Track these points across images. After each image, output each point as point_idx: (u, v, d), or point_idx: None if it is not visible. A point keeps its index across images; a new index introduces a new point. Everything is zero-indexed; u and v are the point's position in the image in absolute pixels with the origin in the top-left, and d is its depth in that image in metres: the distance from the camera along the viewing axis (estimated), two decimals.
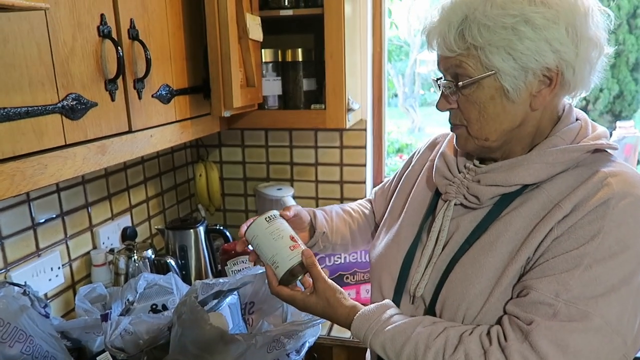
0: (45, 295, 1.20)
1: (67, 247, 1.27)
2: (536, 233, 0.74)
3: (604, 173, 0.74)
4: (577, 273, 0.69)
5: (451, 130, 0.85)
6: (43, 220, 1.19)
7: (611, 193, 0.71)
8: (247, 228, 0.86)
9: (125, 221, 1.48)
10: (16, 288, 0.99)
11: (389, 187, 1.07)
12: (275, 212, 0.87)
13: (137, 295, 1.12)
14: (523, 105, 0.76)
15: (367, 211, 1.13)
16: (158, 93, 1.09)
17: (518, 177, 0.77)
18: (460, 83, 0.76)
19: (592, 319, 0.67)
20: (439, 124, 2.22)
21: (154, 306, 1.14)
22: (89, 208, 1.34)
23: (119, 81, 0.94)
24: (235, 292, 1.09)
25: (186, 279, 1.41)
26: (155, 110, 1.08)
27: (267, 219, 0.85)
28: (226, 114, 1.26)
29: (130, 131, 1.00)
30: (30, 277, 1.13)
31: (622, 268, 0.69)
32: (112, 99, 0.94)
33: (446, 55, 0.76)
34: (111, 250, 1.34)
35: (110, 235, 1.40)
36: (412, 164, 1.01)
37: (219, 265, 1.48)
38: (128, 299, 1.11)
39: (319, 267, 0.83)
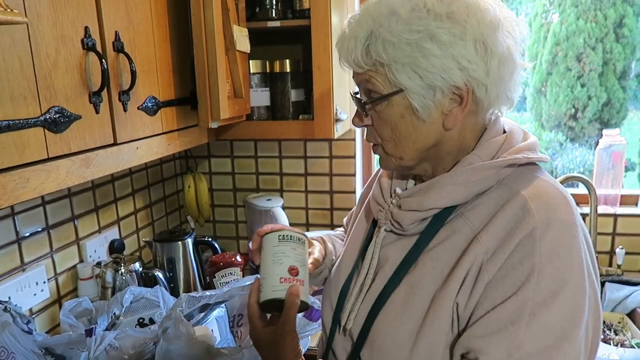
0: (31, 310, 1.18)
1: (53, 261, 1.25)
2: (457, 271, 0.70)
3: (523, 197, 0.69)
4: (524, 325, 0.64)
5: (372, 150, 0.82)
6: (28, 234, 1.17)
7: (534, 222, 0.66)
8: (265, 234, 0.79)
9: (112, 234, 1.47)
10: None
11: (353, 212, 1.02)
12: (296, 235, 0.78)
13: (123, 309, 1.11)
14: (435, 125, 0.72)
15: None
16: (144, 105, 1.08)
17: (431, 201, 0.73)
18: (368, 99, 0.74)
19: None
20: None
21: (140, 320, 1.12)
22: (76, 221, 1.33)
23: (104, 93, 0.94)
24: (223, 305, 1.08)
25: (174, 291, 1.39)
26: (141, 122, 1.08)
27: (280, 237, 0.77)
28: (214, 125, 1.25)
29: (115, 143, 0.99)
30: (14, 292, 1.12)
31: (566, 307, 0.65)
32: (97, 112, 0.93)
33: (356, 71, 0.74)
34: (98, 264, 1.32)
35: (97, 248, 1.39)
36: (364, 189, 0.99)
37: (208, 277, 1.46)
38: (114, 313, 1.10)
39: (296, 311, 0.74)
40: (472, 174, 0.72)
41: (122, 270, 1.30)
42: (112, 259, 1.33)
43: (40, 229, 1.21)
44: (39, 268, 1.20)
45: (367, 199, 0.91)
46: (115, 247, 1.42)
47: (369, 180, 1.02)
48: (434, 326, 0.70)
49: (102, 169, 0.96)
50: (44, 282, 1.21)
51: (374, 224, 0.85)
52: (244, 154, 1.80)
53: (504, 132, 0.78)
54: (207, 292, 1.04)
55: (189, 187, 1.74)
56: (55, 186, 0.84)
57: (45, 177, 0.82)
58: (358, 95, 0.77)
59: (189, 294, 0.99)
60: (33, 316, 1.18)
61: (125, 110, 1.01)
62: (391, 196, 0.82)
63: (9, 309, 0.95)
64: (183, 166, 1.85)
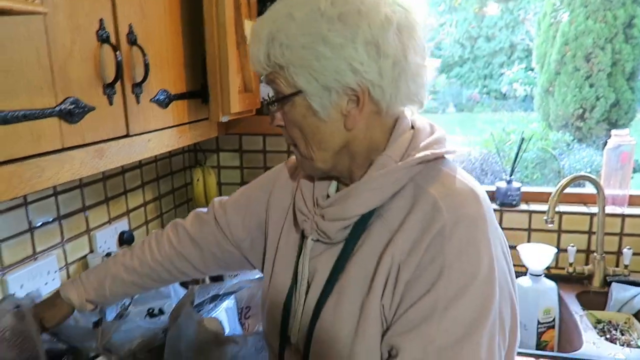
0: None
1: (64, 251, 1.27)
2: (379, 273, 0.72)
3: (433, 196, 0.71)
4: (436, 321, 0.67)
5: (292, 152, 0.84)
6: (40, 224, 1.19)
7: (443, 220, 0.69)
8: None
9: (122, 225, 1.48)
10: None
11: (245, 206, 0.99)
12: None
13: (133, 300, 1.12)
14: (336, 125, 0.74)
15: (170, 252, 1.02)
16: (156, 98, 1.09)
17: (351, 209, 0.75)
18: (272, 99, 0.77)
19: None
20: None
21: (150, 310, 1.14)
22: (86, 212, 1.34)
23: (117, 85, 0.95)
24: (233, 297, 1.09)
25: (183, 283, 1.40)
26: (153, 115, 1.09)
27: None
28: (224, 119, 1.26)
29: (127, 135, 1.01)
30: (26, 280, 1.13)
31: (476, 299, 0.67)
32: (110, 103, 0.94)
33: (260, 73, 0.77)
34: (108, 254, 1.34)
35: (107, 239, 1.40)
36: (271, 193, 0.95)
37: None
38: (124, 304, 1.11)
39: None
40: (385, 178, 0.74)
41: None
42: (121, 250, 1.34)
43: (51, 219, 1.22)
44: (51, 257, 1.21)
45: (289, 209, 0.90)
46: (125, 239, 1.43)
47: (261, 181, 0.99)
48: (366, 331, 0.72)
49: (114, 160, 0.97)
50: (55, 272, 1.22)
51: (302, 234, 0.84)
52: (252, 148, 1.81)
53: (413, 128, 0.79)
54: (217, 284, 1.05)
55: (197, 180, 1.76)
56: (69, 176, 0.85)
57: (60, 167, 0.83)
58: (267, 96, 0.80)
59: (199, 285, 1.00)
60: None
61: (137, 102, 1.02)
62: (314, 205, 0.82)
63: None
64: (192, 159, 1.86)
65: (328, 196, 0.83)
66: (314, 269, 0.81)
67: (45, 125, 0.80)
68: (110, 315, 1.09)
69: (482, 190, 0.75)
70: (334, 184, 0.85)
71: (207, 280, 1.41)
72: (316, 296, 0.79)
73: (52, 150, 0.81)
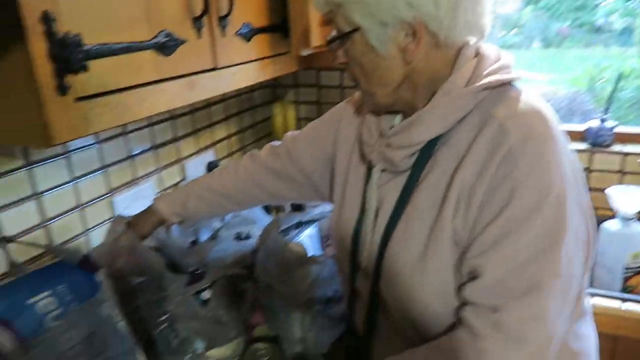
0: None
1: (160, 178, 1.38)
2: (449, 197, 0.73)
3: (499, 119, 0.71)
4: (513, 239, 0.68)
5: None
6: (138, 152, 1.30)
7: (510, 141, 0.69)
8: None
9: (209, 156, 1.58)
10: None
11: (313, 140, 1.04)
12: None
13: (223, 224, 1.21)
14: (396, 60, 0.75)
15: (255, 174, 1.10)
16: (240, 31, 1.12)
17: (417, 136, 0.76)
18: (333, 38, 0.79)
19: (545, 291, 0.67)
20: (525, 67, 2.11)
21: (238, 234, 1.23)
22: (178, 142, 1.44)
23: (205, 19, 0.98)
24: (315, 225, 1.15)
25: (267, 211, 1.49)
26: (237, 48, 1.12)
27: None
28: (304, 52, 1.27)
29: (215, 68, 1.05)
30: (129, 203, 1.26)
31: (550, 216, 0.67)
32: (199, 37, 0.98)
33: (321, 12, 0.79)
34: None
35: (196, 168, 1.51)
36: (338, 126, 0.98)
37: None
38: (215, 227, 1.21)
39: None
40: (449, 104, 0.74)
41: None
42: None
43: (148, 148, 1.33)
44: (148, 183, 1.33)
45: (358, 142, 0.92)
46: (212, 169, 1.53)
47: (328, 117, 1.03)
48: (436, 254, 0.74)
49: (203, 92, 1.02)
50: (153, 196, 1.34)
51: (369, 165, 0.87)
52: (329, 83, 1.82)
53: (478, 55, 0.77)
54: (299, 213, 1.11)
55: (277, 115, 1.81)
56: (164, 106, 0.92)
57: (157, 97, 0.90)
58: (333, 36, 0.81)
59: (284, 213, 1.07)
60: None
61: (223, 35, 1.06)
62: (380, 136, 0.84)
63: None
64: (272, 94, 1.90)
65: (393, 127, 0.84)
66: (381, 197, 0.84)
67: (143, 58, 0.85)
68: (204, 237, 1.19)
69: (550, 111, 0.75)
70: (398, 116, 0.86)
71: (289, 209, 1.48)
72: (384, 223, 0.82)
73: (150, 82, 0.88)
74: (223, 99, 1.64)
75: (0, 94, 0.70)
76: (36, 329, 0.64)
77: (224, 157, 1.67)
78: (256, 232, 1.22)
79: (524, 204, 0.68)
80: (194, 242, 1.09)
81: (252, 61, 1.19)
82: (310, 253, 1.09)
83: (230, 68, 1.11)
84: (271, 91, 1.90)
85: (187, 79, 0.97)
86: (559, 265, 0.67)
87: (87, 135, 0.76)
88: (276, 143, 1.13)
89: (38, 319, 0.65)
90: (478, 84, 0.73)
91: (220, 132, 1.64)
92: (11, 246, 0.98)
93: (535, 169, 0.68)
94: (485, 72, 0.75)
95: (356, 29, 0.75)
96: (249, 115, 1.80)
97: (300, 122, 1.90)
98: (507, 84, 0.75)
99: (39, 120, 0.68)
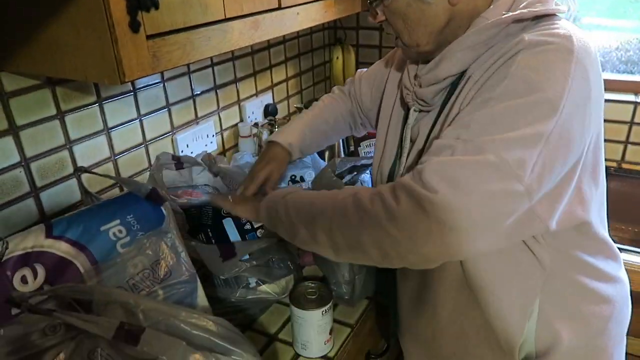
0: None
1: (220, 118, 1.41)
2: (453, 109, 0.73)
3: (523, 37, 0.68)
4: (480, 113, 0.65)
5: (395, 44, 0.85)
6: (200, 92, 1.32)
7: (522, 44, 0.67)
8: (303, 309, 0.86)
9: (267, 98, 1.58)
10: None
11: (373, 80, 1.07)
12: (331, 304, 0.87)
13: None
14: (441, 4, 0.73)
15: (341, 110, 1.13)
16: None
17: (444, 70, 0.76)
18: None
19: (486, 155, 0.61)
20: (598, 14, 1.94)
21: (292, 177, 1.25)
22: (237, 84, 1.45)
23: None
24: (369, 170, 1.15)
25: (320, 155, 1.50)
26: None
27: (323, 312, 0.85)
28: None
29: (279, 7, 1.03)
30: (191, 141, 1.30)
31: (528, 111, 0.63)
32: None
33: None
34: (255, 124, 1.46)
35: (254, 110, 1.52)
36: (390, 70, 1.00)
37: (352, 147, 1.54)
38: None
39: None
40: (478, 35, 0.72)
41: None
42: (268, 121, 1.45)
43: (209, 88, 1.35)
44: (209, 123, 1.36)
45: (398, 89, 0.93)
46: (270, 111, 1.54)
47: (386, 58, 1.06)
48: None
49: (267, 32, 1.01)
50: (213, 136, 1.37)
51: (408, 108, 0.87)
52: None
53: None
54: (353, 158, 1.11)
55: (337, 58, 1.77)
56: (229, 46, 0.92)
57: (223, 36, 0.90)
58: None
59: (339, 157, 1.07)
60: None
61: None
62: (415, 77, 0.84)
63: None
64: (331, 37, 1.86)
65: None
66: (415, 136, 0.85)
67: None
68: None
69: (587, 38, 0.69)
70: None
71: (343, 154, 1.48)
72: (414, 160, 0.83)
73: (217, 20, 0.87)
74: (283, 40, 1.62)
75: (75, 32, 0.72)
76: (107, 254, 0.69)
77: (281, 100, 1.68)
78: (309, 176, 1.23)
79: (505, 90, 0.65)
80: None
81: (315, 1, 1.16)
82: None
83: (294, 8, 1.09)
84: (332, 33, 1.86)
85: (252, 18, 0.96)
86: (506, 153, 0.61)
87: (156, 73, 0.77)
88: (351, 78, 1.18)
89: (109, 244, 0.69)
90: (507, 15, 0.70)
91: (278, 74, 1.64)
92: (85, 177, 1.04)
93: (533, 69, 0.65)
94: (521, 5, 0.72)
95: None
96: (308, 58, 1.78)
97: (360, 67, 1.86)
98: (543, 17, 0.71)
99: (113, 57, 0.70)
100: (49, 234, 0.67)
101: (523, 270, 0.75)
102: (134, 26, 0.71)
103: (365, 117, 1.12)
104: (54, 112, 0.96)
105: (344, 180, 1.08)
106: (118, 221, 0.72)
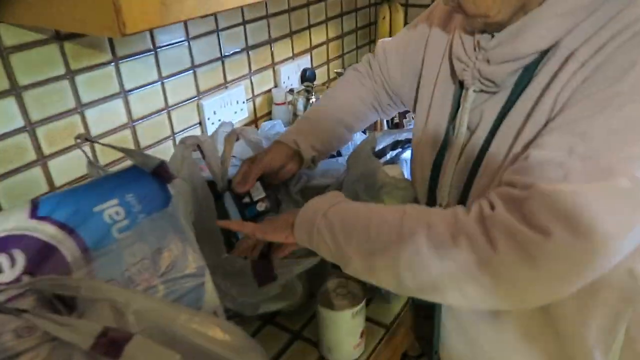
0: (232, 125, 1.26)
1: (251, 83, 1.29)
2: (546, 97, 0.56)
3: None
4: (602, 117, 0.49)
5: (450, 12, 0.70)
6: (230, 53, 1.20)
7: None
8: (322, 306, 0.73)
9: (305, 62, 1.44)
10: None
11: (404, 49, 0.87)
12: (363, 305, 0.74)
13: None
14: None
15: (364, 89, 0.95)
16: None
17: (528, 45, 0.58)
18: None
19: (617, 178, 0.47)
20: None
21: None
22: (272, 45, 1.32)
23: None
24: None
25: None
26: None
27: (353, 314, 0.72)
28: None
29: None
30: (218, 107, 1.18)
31: None
32: None
33: None
34: (291, 91, 1.33)
35: (290, 75, 1.39)
36: (429, 33, 0.81)
37: (397, 118, 1.39)
38: None
39: None
40: (571, 2, 0.55)
41: (313, 100, 1.28)
42: (304, 87, 1.32)
43: (240, 49, 1.22)
44: (239, 87, 1.24)
45: (443, 58, 0.76)
46: (307, 76, 1.40)
47: (419, 22, 0.86)
48: None
49: None
50: (243, 102, 1.25)
51: (461, 85, 0.70)
52: None
53: None
54: (396, 130, 0.97)
55: (383, 18, 1.60)
56: None
57: None
58: None
59: (380, 131, 0.93)
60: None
61: None
62: (476, 49, 0.66)
63: None
64: None
65: (493, 37, 0.64)
66: (475, 121, 0.67)
67: None
68: None
69: None
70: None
71: (385, 127, 1.34)
72: (474, 153, 0.66)
73: None
74: None
75: None
76: (101, 240, 0.59)
77: (320, 65, 1.53)
78: (347, 150, 1.10)
79: (637, 84, 0.49)
80: None
81: None
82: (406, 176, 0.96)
83: None
84: None
85: None
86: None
87: (165, 25, 0.65)
88: (372, 55, 0.99)
89: (104, 228, 0.59)
90: None
91: (318, 35, 1.49)
92: (98, 146, 0.95)
93: None
94: None
95: None
96: (351, 18, 1.62)
97: None
98: None
99: (111, 4, 0.59)
100: (33, 214, 0.57)
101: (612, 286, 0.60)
102: None
103: (395, 95, 0.93)
104: (62, 71, 0.86)
105: (386, 158, 0.94)
106: (116, 201, 0.61)
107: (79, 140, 0.71)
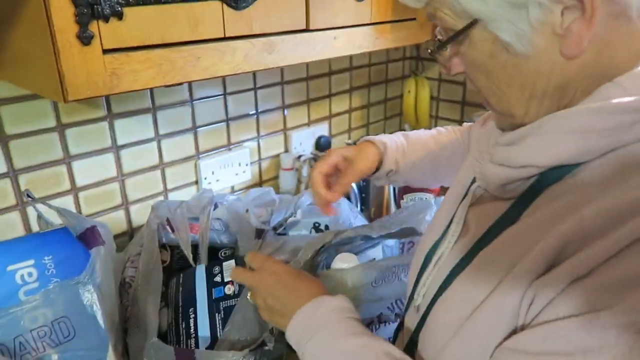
0: (232, 188, 1.26)
1: (259, 146, 1.29)
2: (537, 255, 0.45)
3: None
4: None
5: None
6: (237, 116, 1.21)
7: None
8: None
9: (321, 129, 1.43)
10: None
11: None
12: None
13: (301, 210, 1.07)
14: (547, 56, 0.47)
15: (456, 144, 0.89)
16: None
17: (525, 154, 0.50)
18: (442, 41, 0.53)
19: None
20: None
21: (316, 224, 1.08)
22: (285, 110, 1.32)
23: None
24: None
25: (365, 201, 1.30)
26: (343, 7, 0.93)
27: None
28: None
29: (307, 29, 0.88)
30: (218, 168, 1.19)
31: None
32: None
33: (416, 7, 0.54)
34: (299, 157, 1.32)
35: (303, 141, 1.38)
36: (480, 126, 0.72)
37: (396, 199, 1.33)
38: (293, 212, 1.07)
39: None
40: (599, 117, 0.45)
41: None
42: (312, 154, 1.30)
43: (250, 113, 1.24)
44: (244, 150, 1.24)
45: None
46: (321, 144, 1.38)
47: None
48: (478, 323, 0.50)
49: (287, 57, 0.87)
50: (247, 165, 1.25)
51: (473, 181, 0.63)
52: None
53: None
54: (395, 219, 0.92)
55: (408, 92, 1.57)
56: (229, 69, 0.79)
57: (219, 57, 0.77)
58: (437, 37, 0.56)
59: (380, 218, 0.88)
60: (235, 193, 1.26)
61: None
62: (491, 144, 0.58)
63: None
64: (413, 68, 1.66)
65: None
66: (468, 223, 0.60)
67: (204, 9, 0.72)
68: (277, 219, 1.07)
69: None
70: None
71: (392, 207, 1.28)
72: (458, 258, 0.58)
73: (211, 39, 0.75)
74: (349, 67, 1.46)
75: (28, 39, 0.64)
76: (6, 300, 0.58)
77: (340, 133, 1.51)
78: (334, 224, 1.05)
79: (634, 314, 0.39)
80: (260, 233, 0.97)
81: (363, 25, 0.99)
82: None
83: (330, 31, 0.93)
84: (412, 64, 1.66)
85: (264, 39, 0.82)
86: None
87: (115, 94, 0.66)
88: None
89: (13, 288, 0.59)
90: None
91: (340, 104, 1.48)
92: (86, 195, 0.98)
93: None
94: None
95: (473, 22, 0.49)
96: (380, 89, 1.60)
97: (439, 105, 1.63)
98: None
99: (55, 72, 0.61)
100: None
101: None
102: (84, 37, 0.61)
103: None
104: (52, 124, 0.91)
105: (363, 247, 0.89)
106: (32, 261, 0.61)
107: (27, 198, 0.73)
